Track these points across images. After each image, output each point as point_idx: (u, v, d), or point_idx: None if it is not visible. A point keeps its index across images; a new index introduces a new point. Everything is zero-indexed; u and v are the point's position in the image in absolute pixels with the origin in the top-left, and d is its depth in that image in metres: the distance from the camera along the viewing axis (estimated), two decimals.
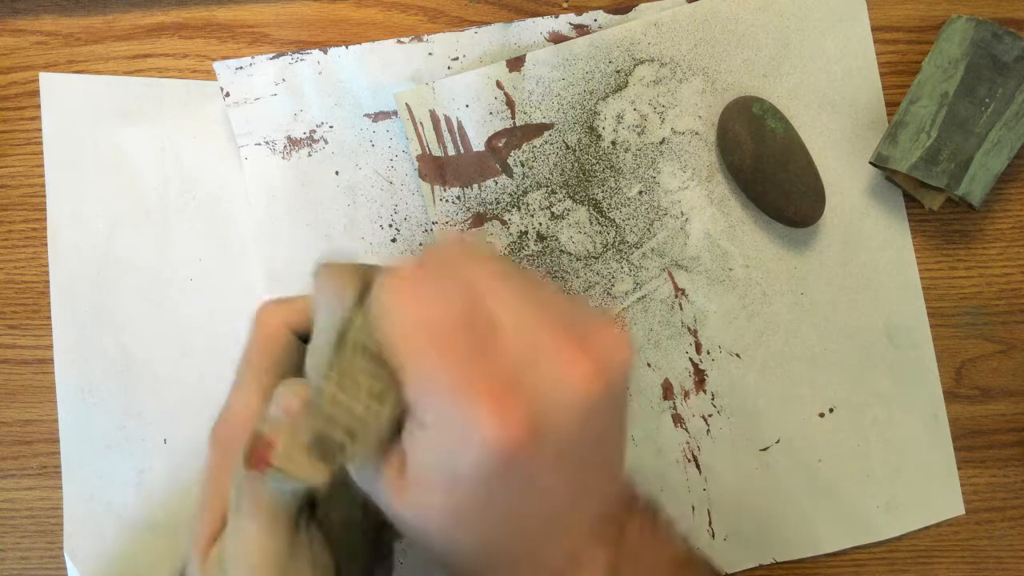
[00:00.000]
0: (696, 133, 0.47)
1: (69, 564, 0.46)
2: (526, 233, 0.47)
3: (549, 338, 0.24)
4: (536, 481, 0.24)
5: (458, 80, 0.47)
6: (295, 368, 0.30)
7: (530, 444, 0.23)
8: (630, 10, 0.48)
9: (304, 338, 0.30)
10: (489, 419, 0.22)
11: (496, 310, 0.24)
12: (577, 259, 0.47)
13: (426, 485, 0.24)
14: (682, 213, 0.47)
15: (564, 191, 0.47)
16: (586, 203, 0.47)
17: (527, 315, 0.24)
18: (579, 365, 0.24)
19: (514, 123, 0.47)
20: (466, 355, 0.23)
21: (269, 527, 0.26)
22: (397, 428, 0.26)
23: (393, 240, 0.47)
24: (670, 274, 0.47)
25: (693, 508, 0.47)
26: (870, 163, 0.46)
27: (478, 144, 0.47)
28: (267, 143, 0.47)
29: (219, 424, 0.30)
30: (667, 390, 0.47)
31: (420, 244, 0.31)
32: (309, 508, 0.29)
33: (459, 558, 0.26)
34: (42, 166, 0.48)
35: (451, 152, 0.47)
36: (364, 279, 0.27)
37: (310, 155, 0.47)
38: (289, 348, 0.30)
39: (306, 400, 0.26)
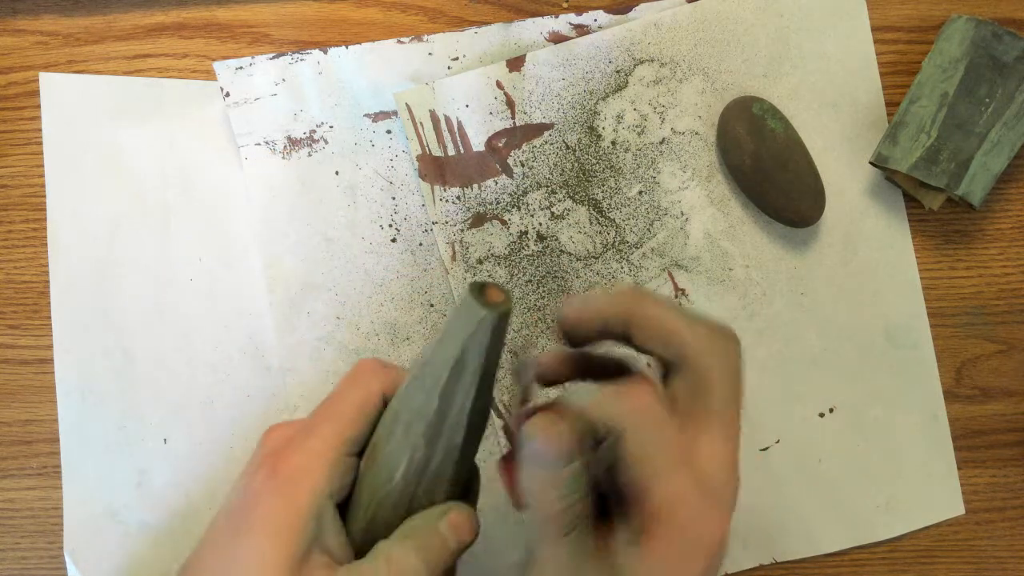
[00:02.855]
0: (696, 133, 0.47)
1: (69, 564, 0.46)
2: (526, 233, 0.47)
3: (735, 457, 0.32)
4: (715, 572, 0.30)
5: (458, 80, 0.47)
6: (367, 432, 0.32)
7: (726, 539, 0.30)
8: (630, 10, 0.48)
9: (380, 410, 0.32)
10: (715, 523, 0.29)
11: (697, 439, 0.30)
12: (577, 259, 0.47)
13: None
14: (682, 213, 0.47)
15: (564, 191, 0.47)
16: (586, 203, 0.47)
17: (725, 444, 0.32)
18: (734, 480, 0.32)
19: (514, 123, 0.47)
20: (694, 473, 0.29)
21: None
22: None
23: (393, 240, 0.47)
24: (670, 274, 0.47)
25: None
26: (870, 163, 0.46)
27: (478, 144, 0.47)
28: (267, 143, 0.47)
29: (274, 432, 0.32)
30: None
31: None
32: None
33: None
34: (42, 166, 0.48)
35: (451, 152, 0.47)
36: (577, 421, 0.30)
37: (310, 155, 0.47)
38: (374, 415, 0.32)
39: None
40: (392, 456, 0.31)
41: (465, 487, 0.33)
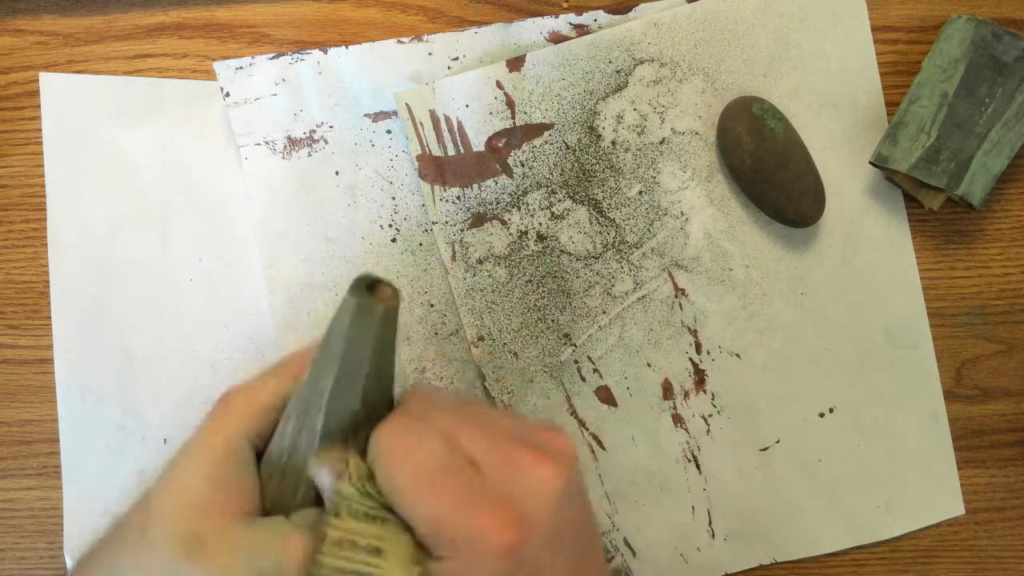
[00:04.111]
0: (696, 133, 0.47)
1: (69, 564, 0.46)
2: (526, 233, 0.47)
3: (515, 455, 0.30)
4: (539, 569, 0.29)
5: (458, 80, 0.47)
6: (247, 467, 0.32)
7: (526, 538, 0.28)
8: (630, 10, 0.48)
9: (259, 452, 0.33)
10: (492, 530, 0.28)
11: (469, 447, 0.30)
12: (577, 259, 0.47)
13: None
14: (682, 213, 0.47)
15: (564, 191, 0.47)
16: (586, 203, 0.47)
17: (492, 443, 0.30)
18: (544, 466, 0.30)
19: (514, 123, 0.47)
20: (460, 488, 0.29)
21: None
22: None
23: (393, 240, 0.47)
24: (670, 274, 0.47)
25: (693, 508, 0.47)
26: (870, 163, 0.46)
27: (478, 144, 0.47)
28: (267, 143, 0.47)
29: (157, 491, 0.33)
30: (667, 390, 0.47)
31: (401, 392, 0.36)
32: None
33: None
34: (42, 166, 0.48)
35: (451, 152, 0.47)
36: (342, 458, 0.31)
37: (310, 155, 0.47)
38: (243, 460, 0.32)
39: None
40: (280, 424, 0.32)
41: None
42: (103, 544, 0.33)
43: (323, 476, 0.31)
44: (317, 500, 0.32)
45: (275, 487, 0.32)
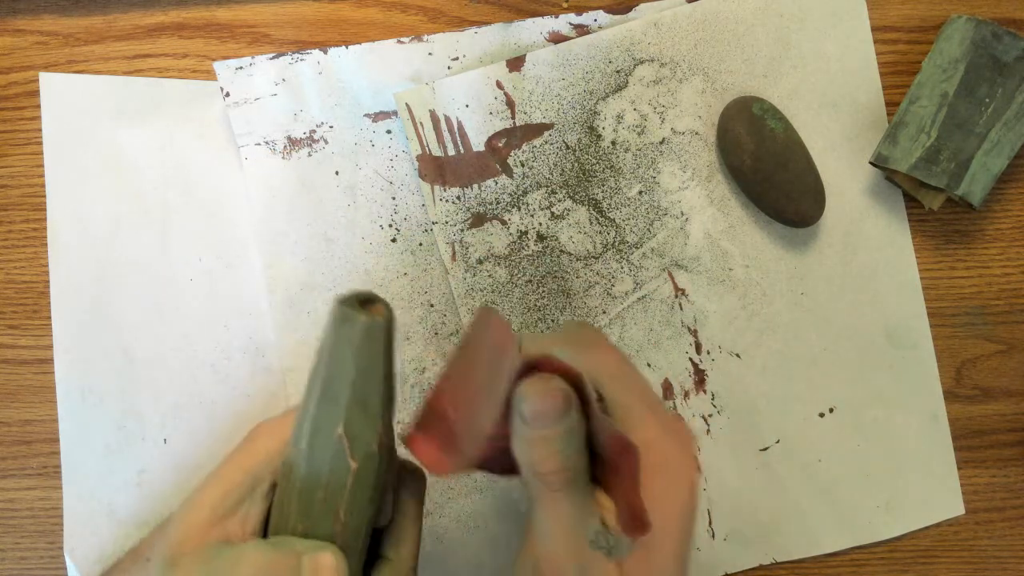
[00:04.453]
0: (696, 133, 0.47)
1: (69, 564, 0.46)
2: (526, 233, 0.47)
3: (668, 412, 0.33)
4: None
5: (458, 80, 0.47)
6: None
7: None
8: (630, 10, 0.48)
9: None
10: (689, 463, 0.31)
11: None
12: (577, 259, 0.47)
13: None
14: (682, 213, 0.47)
15: (564, 191, 0.47)
16: (586, 203, 0.47)
17: (654, 395, 0.33)
18: (686, 427, 0.32)
19: (514, 123, 0.47)
20: (667, 419, 0.31)
21: None
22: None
23: (393, 240, 0.47)
24: (670, 274, 0.47)
25: None
26: (870, 163, 0.46)
27: (478, 144, 0.47)
28: (267, 143, 0.47)
29: (179, 519, 0.32)
30: (667, 390, 0.47)
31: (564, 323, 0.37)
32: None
33: None
34: (42, 166, 0.48)
35: (451, 152, 0.47)
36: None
37: (310, 155, 0.47)
38: (253, 490, 0.32)
39: None
40: (288, 450, 0.32)
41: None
42: (124, 560, 0.34)
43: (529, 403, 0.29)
44: (306, 533, 0.31)
45: (275, 515, 0.32)
